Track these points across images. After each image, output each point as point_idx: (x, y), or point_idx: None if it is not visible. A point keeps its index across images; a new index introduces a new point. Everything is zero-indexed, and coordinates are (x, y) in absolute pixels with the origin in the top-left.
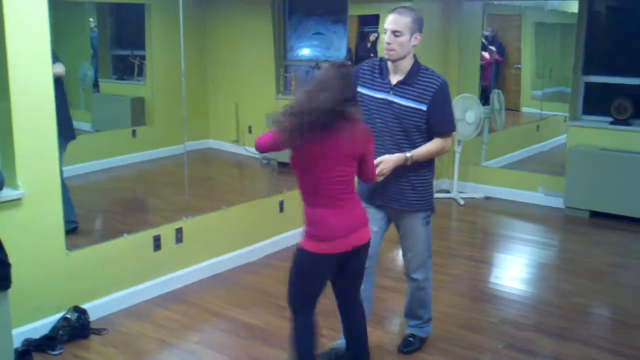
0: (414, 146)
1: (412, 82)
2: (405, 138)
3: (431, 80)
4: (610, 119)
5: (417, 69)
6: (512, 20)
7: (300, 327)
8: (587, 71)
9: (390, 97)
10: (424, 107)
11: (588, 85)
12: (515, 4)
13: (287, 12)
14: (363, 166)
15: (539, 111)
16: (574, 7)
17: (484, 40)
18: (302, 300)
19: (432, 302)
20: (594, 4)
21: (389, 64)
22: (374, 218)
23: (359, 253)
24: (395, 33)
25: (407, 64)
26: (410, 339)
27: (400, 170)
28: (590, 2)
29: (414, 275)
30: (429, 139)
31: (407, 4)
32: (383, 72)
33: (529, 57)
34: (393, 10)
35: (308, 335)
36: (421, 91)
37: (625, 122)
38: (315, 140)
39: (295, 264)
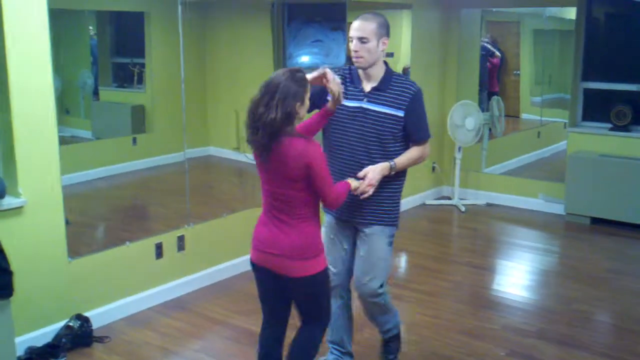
0: (386, 155)
1: (386, 88)
2: (378, 147)
3: (406, 86)
4: (610, 125)
5: (390, 75)
6: (510, 27)
7: (260, 339)
8: (586, 77)
9: (365, 105)
10: (400, 113)
11: (587, 91)
12: (513, 11)
13: (286, 19)
14: (315, 190)
15: (538, 117)
16: (572, 14)
17: (490, 46)
18: (262, 309)
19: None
20: (593, 11)
21: (360, 71)
22: (344, 235)
23: (291, 284)
24: (361, 40)
25: (379, 70)
26: (387, 346)
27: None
28: (588, 9)
29: (373, 300)
30: (402, 147)
31: (406, 12)
32: (354, 80)
33: (528, 63)
34: (358, 17)
35: (263, 352)
36: (396, 97)
37: (625, 128)
38: (256, 153)
39: None
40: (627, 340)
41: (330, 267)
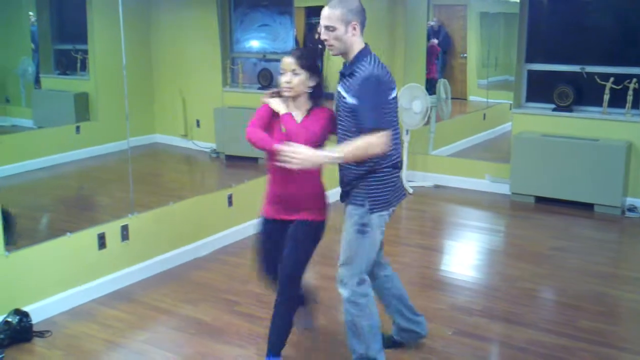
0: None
1: (349, 74)
2: (348, 131)
3: (359, 71)
4: (553, 106)
5: (357, 59)
6: (457, 11)
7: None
8: (530, 59)
9: (339, 88)
10: (354, 101)
11: (531, 73)
12: None
13: (232, 4)
14: None
15: (485, 99)
16: None
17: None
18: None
19: (371, 337)
20: None
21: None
22: None
23: None
24: (328, 28)
25: (352, 55)
26: None
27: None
28: None
29: (341, 295)
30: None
31: None
32: (346, 64)
33: (475, 46)
34: (327, 4)
35: None
36: (352, 83)
37: (568, 109)
38: None
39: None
40: (569, 316)
41: None
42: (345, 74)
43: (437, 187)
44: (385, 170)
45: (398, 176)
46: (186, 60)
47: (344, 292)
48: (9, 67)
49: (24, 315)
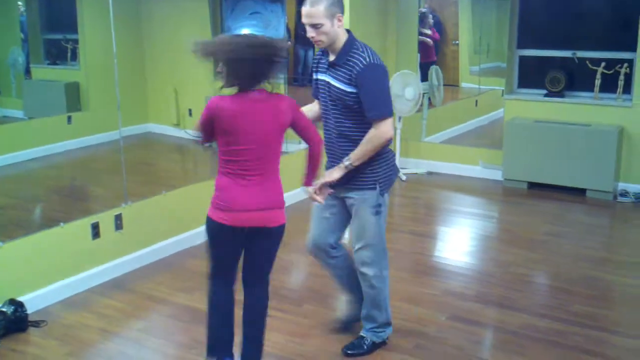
0: (352, 128)
1: (342, 63)
2: (346, 119)
3: (356, 61)
4: (545, 92)
5: (348, 48)
6: None
7: (214, 299)
8: (521, 45)
9: (327, 78)
10: (352, 89)
11: (523, 58)
12: None
13: None
14: (305, 131)
15: (477, 86)
16: None
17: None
18: (214, 268)
19: (388, 304)
20: None
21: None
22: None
23: (268, 234)
24: (315, 26)
25: (339, 45)
26: (358, 341)
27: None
28: None
29: (363, 269)
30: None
31: None
32: (327, 53)
33: (467, 33)
34: (305, 1)
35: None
36: (348, 72)
37: (559, 94)
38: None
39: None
40: (562, 300)
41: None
42: (336, 64)
43: (429, 173)
44: (386, 152)
45: (394, 154)
46: (178, 49)
47: (370, 271)
48: None
49: (18, 305)
